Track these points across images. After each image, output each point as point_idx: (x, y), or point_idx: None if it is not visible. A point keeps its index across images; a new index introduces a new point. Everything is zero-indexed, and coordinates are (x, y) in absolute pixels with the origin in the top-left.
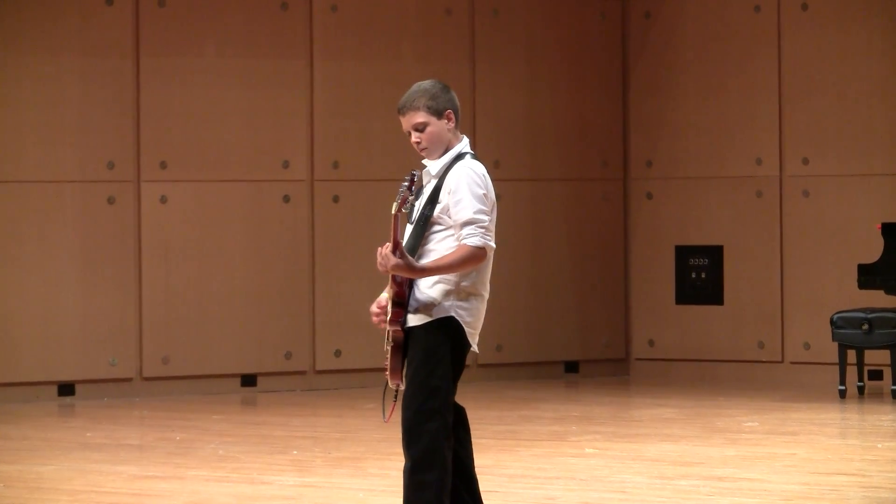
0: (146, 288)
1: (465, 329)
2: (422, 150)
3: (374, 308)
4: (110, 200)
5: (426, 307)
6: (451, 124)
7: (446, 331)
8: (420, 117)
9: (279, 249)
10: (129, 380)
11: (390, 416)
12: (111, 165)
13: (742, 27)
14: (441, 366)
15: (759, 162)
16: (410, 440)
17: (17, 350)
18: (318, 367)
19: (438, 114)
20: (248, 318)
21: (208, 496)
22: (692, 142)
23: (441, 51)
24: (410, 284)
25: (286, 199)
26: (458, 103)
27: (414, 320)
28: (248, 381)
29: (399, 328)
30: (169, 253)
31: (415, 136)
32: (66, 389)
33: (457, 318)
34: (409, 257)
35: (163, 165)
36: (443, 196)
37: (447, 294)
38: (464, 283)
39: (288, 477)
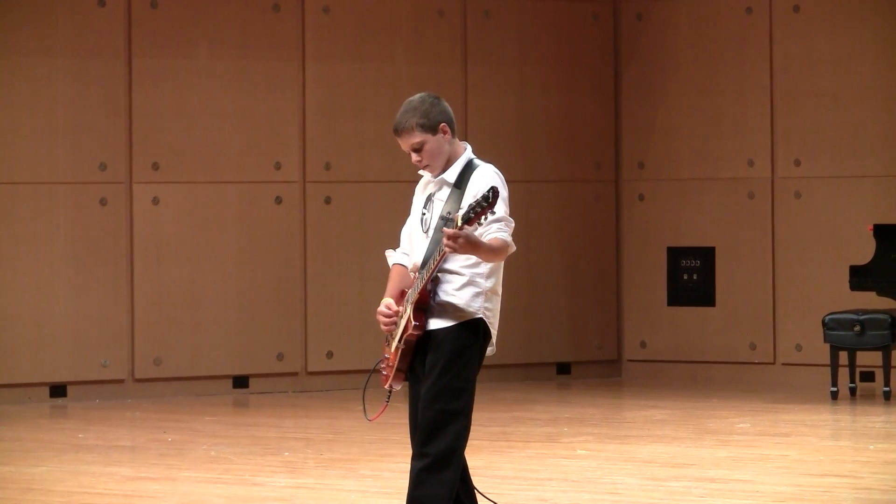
0: (138, 289)
1: (491, 329)
2: (423, 167)
3: (383, 310)
4: (102, 202)
5: (455, 309)
6: (448, 136)
7: (474, 332)
8: (416, 137)
9: (271, 251)
10: (121, 381)
11: (377, 417)
12: (103, 167)
13: (734, 29)
14: (467, 368)
15: (750, 164)
16: (431, 439)
17: (9, 351)
18: (311, 369)
19: (433, 130)
20: (240, 320)
21: (200, 497)
22: (684, 143)
23: (433, 52)
24: (433, 290)
25: (278, 200)
26: (451, 113)
27: (440, 322)
28: (240, 382)
29: (421, 333)
30: (161, 254)
31: (414, 157)
32: (58, 391)
33: (484, 319)
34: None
35: (155, 167)
36: (466, 203)
37: (476, 296)
38: (490, 285)
39: (280, 478)
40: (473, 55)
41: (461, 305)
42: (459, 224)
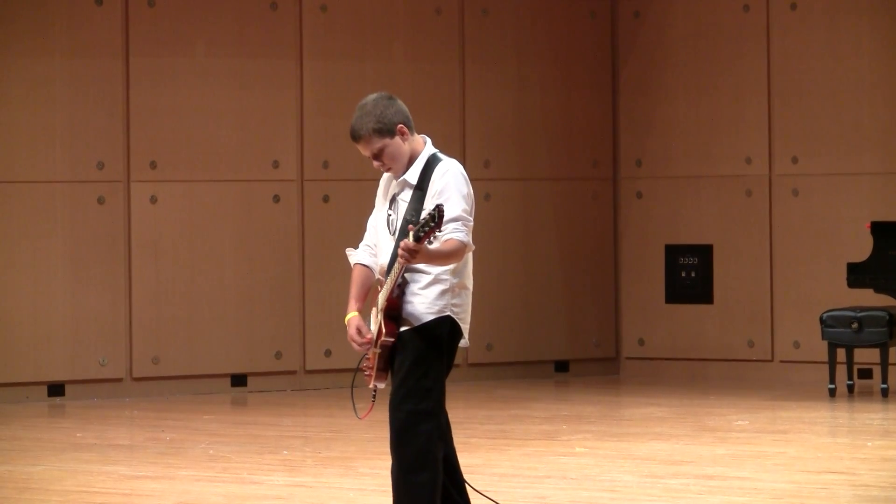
0: (136, 288)
1: (461, 325)
2: (387, 170)
3: (354, 336)
4: (100, 200)
5: (422, 308)
6: (406, 136)
7: (440, 331)
8: (374, 144)
9: (269, 249)
10: (119, 380)
11: (367, 415)
12: (101, 165)
13: (731, 26)
14: (434, 367)
15: (748, 161)
16: (402, 441)
17: (7, 350)
18: (309, 367)
19: (391, 133)
20: (238, 318)
21: (198, 496)
22: (682, 141)
23: (431, 50)
24: (401, 292)
25: (276, 198)
26: (406, 111)
27: (408, 323)
28: (239, 380)
29: (394, 339)
30: (159, 253)
31: (376, 164)
32: (55, 390)
33: (452, 315)
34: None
35: (152, 165)
36: (428, 203)
37: (442, 293)
38: (456, 281)
39: (278, 477)
40: (471, 53)
41: (428, 304)
42: (412, 242)
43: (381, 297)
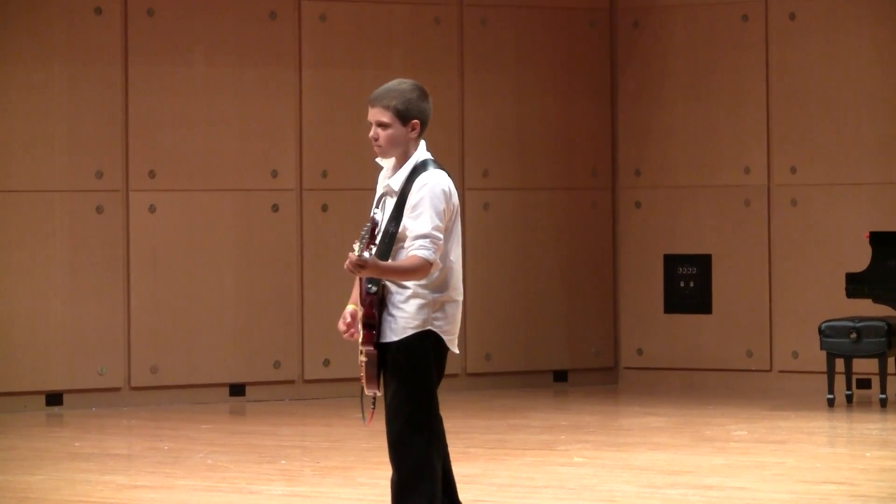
0: (134, 297)
1: (444, 337)
2: (376, 145)
3: (341, 325)
4: (99, 210)
5: (403, 323)
6: (415, 133)
7: (425, 343)
8: (385, 117)
9: (268, 259)
10: (117, 389)
11: (370, 420)
12: (99, 175)
13: (730, 36)
14: (424, 378)
15: (747, 171)
16: (399, 453)
17: (4, 359)
18: (307, 377)
19: (404, 120)
20: (237, 328)
21: None
22: (680, 151)
23: (430, 60)
24: (379, 305)
25: (275, 208)
26: (429, 114)
27: (391, 336)
28: (237, 390)
29: (372, 348)
30: (157, 262)
31: (373, 131)
32: (53, 399)
33: (435, 329)
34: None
35: (151, 174)
36: (406, 213)
37: (422, 308)
38: (438, 295)
39: (276, 486)
40: (470, 62)
41: (408, 318)
42: (354, 255)
43: (359, 305)
